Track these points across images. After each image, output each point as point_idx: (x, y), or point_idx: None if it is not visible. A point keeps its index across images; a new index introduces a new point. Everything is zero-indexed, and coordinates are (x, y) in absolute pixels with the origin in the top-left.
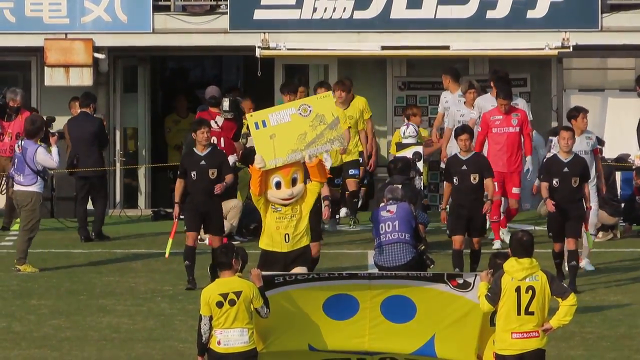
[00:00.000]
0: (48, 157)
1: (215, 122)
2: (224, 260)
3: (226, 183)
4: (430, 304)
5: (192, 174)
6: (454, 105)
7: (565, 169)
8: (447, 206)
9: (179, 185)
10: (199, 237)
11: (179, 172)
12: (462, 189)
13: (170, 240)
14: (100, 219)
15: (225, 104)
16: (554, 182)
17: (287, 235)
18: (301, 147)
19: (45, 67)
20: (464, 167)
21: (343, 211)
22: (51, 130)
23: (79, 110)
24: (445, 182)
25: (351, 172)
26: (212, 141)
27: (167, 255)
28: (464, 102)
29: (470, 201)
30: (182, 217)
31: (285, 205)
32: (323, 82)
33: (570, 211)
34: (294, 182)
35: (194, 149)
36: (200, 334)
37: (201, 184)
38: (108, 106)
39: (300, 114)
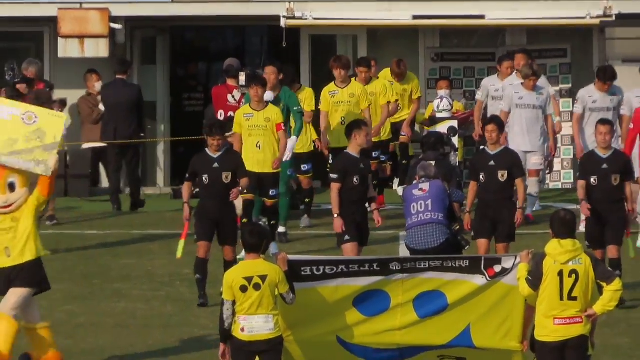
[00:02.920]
0: None
1: (233, 96)
2: (253, 242)
3: (241, 189)
4: (465, 296)
5: (203, 178)
6: (512, 90)
7: (604, 166)
8: (469, 209)
9: (186, 187)
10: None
11: (187, 175)
12: (488, 188)
13: (182, 241)
14: (137, 187)
15: (242, 78)
16: (592, 180)
17: (7, 249)
18: (3, 152)
19: (59, 38)
20: (492, 163)
21: (305, 221)
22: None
23: (95, 84)
24: (470, 181)
25: (304, 167)
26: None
27: (179, 255)
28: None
29: (497, 201)
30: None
31: (2, 214)
32: (363, 59)
33: (610, 214)
34: (11, 187)
35: (207, 150)
36: (223, 319)
37: (213, 188)
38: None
39: (23, 119)
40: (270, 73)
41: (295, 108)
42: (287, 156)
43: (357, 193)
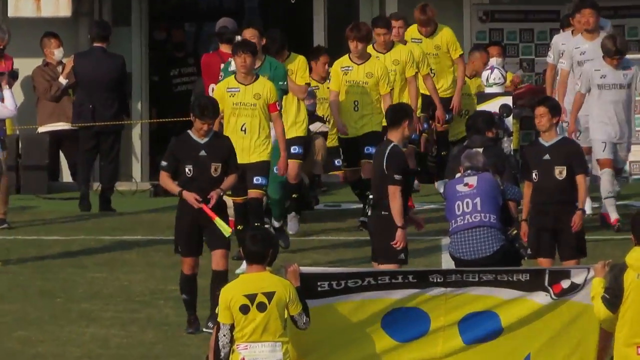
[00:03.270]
0: (0, 107)
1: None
2: (256, 249)
3: (222, 190)
4: (523, 318)
5: (186, 169)
6: (590, 58)
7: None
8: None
9: (167, 178)
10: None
11: (164, 163)
12: (544, 188)
13: (217, 219)
14: (109, 185)
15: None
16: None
17: None
18: None
19: None
20: (547, 157)
21: (293, 225)
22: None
23: (55, 51)
24: (524, 180)
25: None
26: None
27: (228, 234)
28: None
29: (555, 205)
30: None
31: None
32: (379, 18)
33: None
34: None
35: (190, 132)
36: (218, 348)
37: (198, 182)
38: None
39: None
40: (250, 37)
41: (280, 83)
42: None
43: (404, 196)
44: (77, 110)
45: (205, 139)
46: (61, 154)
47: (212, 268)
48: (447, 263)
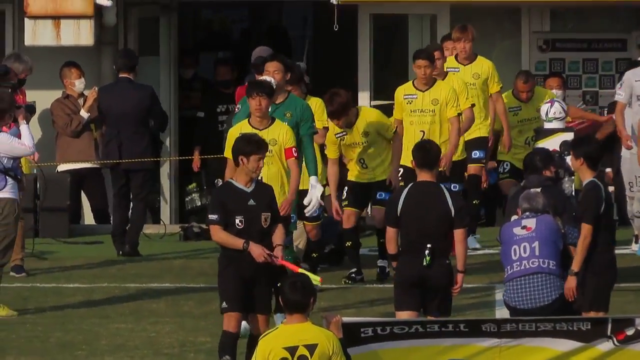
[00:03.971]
0: (15, 142)
1: None
2: (297, 299)
3: (281, 246)
4: None
5: (237, 221)
6: None
7: None
8: None
9: (221, 231)
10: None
11: (214, 216)
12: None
13: (302, 270)
14: (138, 228)
15: None
16: None
17: None
18: None
19: (26, 20)
20: None
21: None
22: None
23: (76, 82)
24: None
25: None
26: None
27: (318, 282)
28: None
29: None
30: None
31: None
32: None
33: None
34: None
35: (233, 181)
36: None
37: (250, 235)
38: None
39: None
40: (273, 71)
41: (309, 125)
42: (312, 208)
43: None
44: (105, 148)
45: (252, 187)
46: (83, 195)
47: (251, 332)
48: (501, 313)
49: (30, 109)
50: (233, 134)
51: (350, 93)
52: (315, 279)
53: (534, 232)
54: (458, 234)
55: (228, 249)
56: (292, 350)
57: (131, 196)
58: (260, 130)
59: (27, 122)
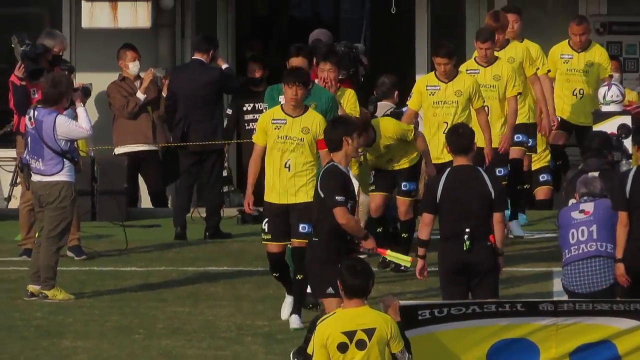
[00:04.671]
0: (73, 125)
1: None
2: (358, 283)
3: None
4: None
5: (348, 206)
6: None
7: None
8: None
9: (351, 219)
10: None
11: (340, 198)
12: None
13: (390, 252)
14: (215, 211)
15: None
16: None
17: None
18: None
19: (83, 2)
20: None
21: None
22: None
23: (130, 64)
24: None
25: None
26: None
27: (409, 262)
28: None
29: None
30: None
31: None
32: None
33: None
34: None
35: (337, 164)
36: None
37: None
38: (174, 58)
39: None
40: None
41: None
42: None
43: None
44: (175, 127)
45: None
46: (140, 178)
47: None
48: (558, 294)
49: (86, 91)
50: (264, 118)
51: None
52: (406, 259)
53: (592, 216)
54: (497, 216)
55: (338, 239)
56: (350, 334)
57: (204, 179)
58: (293, 117)
59: (84, 105)
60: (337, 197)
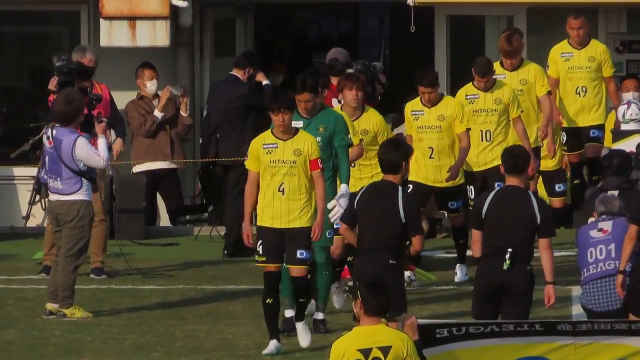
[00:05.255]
0: (92, 152)
1: (339, 101)
2: (379, 301)
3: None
4: None
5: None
6: None
7: None
8: None
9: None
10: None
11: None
12: None
13: (417, 269)
14: (234, 228)
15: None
16: None
17: None
18: None
19: (101, 20)
20: None
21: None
22: (98, 117)
23: (147, 83)
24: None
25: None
26: None
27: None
28: None
29: None
30: None
31: None
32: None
33: None
34: None
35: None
36: None
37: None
38: (192, 76)
39: None
40: (305, 101)
41: (344, 136)
42: (336, 214)
43: None
44: (209, 143)
45: None
46: (158, 196)
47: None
48: (577, 315)
49: (97, 98)
50: (255, 143)
51: None
52: (431, 278)
53: (610, 235)
54: (543, 242)
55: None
56: (366, 352)
57: (229, 193)
58: (284, 140)
59: (105, 136)
60: (421, 224)
